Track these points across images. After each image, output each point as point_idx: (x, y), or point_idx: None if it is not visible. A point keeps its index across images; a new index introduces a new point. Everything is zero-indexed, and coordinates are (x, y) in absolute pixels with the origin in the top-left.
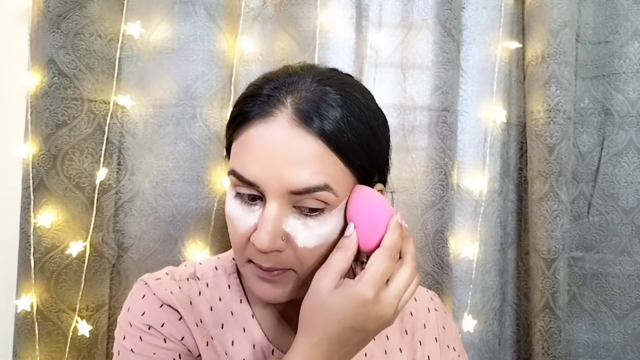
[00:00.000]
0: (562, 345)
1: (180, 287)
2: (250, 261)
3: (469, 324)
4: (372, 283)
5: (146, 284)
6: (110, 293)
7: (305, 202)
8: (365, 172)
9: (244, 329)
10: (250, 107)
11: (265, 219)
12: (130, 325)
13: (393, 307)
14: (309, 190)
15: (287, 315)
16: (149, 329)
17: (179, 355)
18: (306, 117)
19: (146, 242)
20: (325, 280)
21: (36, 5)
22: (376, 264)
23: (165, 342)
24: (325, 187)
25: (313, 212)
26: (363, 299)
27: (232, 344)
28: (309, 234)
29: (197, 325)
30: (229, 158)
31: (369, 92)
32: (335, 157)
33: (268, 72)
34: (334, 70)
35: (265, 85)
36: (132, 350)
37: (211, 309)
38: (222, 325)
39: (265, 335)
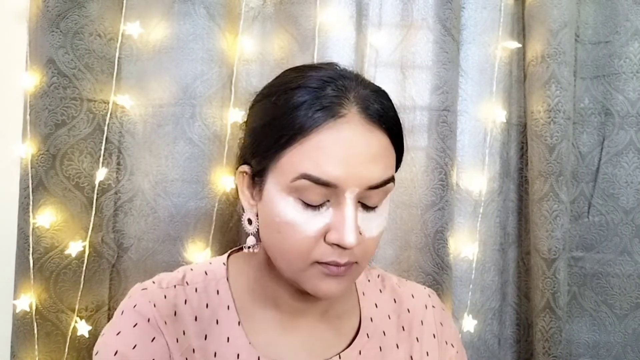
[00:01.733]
0: (562, 345)
1: (165, 296)
2: (316, 262)
3: (469, 323)
4: None
5: (130, 297)
6: (110, 293)
7: (372, 196)
8: (400, 159)
9: (227, 339)
10: (311, 112)
11: (348, 217)
12: (105, 343)
13: None
14: (383, 184)
15: (276, 321)
16: (115, 353)
17: None
18: (372, 113)
19: (146, 243)
20: None
21: (35, 5)
22: None
23: None
24: (392, 179)
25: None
26: None
27: (215, 356)
28: (372, 224)
29: (177, 341)
30: (261, 167)
31: None
32: (392, 148)
33: (291, 75)
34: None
35: (309, 85)
36: None
37: (195, 319)
38: (206, 336)
39: (251, 343)
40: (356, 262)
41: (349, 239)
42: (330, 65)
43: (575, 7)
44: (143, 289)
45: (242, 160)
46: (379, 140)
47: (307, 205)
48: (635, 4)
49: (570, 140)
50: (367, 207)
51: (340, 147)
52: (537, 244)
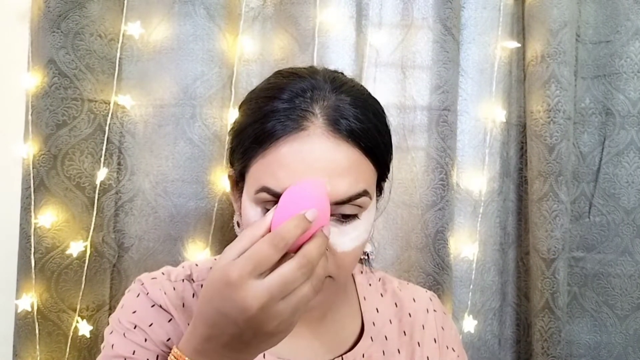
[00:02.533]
0: (561, 346)
1: (174, 288)
2: None
3: (469, 324)
4: (242, 264)
5: (142, 284)
6: (111, 293)
7: (343, 209)
8: (385, 169)
9: None
10: (276, 124)
11: None
12: (119, 321)
13: (260, 302)
14: (350, 199)
15: None
16: (135, 327)
17: (157, 357)
18: (338, 126)
19: (146, 242)
20: (223, 255)
21: (36, 5)
22: (256, 247)
23: (145, 341)
24: (364, 193)
25: (346, 217)
26: (226, 278)
27: None
28: (346, 238)
29: (188, 325)
30: (239, 172)
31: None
32: (368, 161)
33: (272, 80)
34: (338, 72)
35: (280, 96)
36: (112, 346)
37: None
38: None
39: None
40: (330, 277)
41: None
42: (313, 72)
43: (575, 7)
44: (153, 278)
45: (230, 162)
46: (347, 154)
47: None
48: (636, 4)
49: (571, 140)
50: (341, 220)
51: (300, 161)
52: (537, 244)
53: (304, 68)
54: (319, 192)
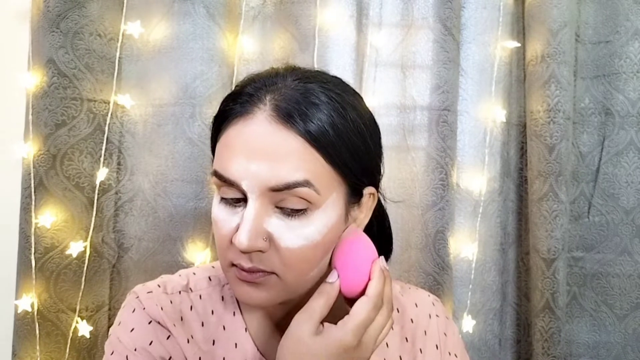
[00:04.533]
0: (562, 345)
1: (171, 302)
2: (233, 265)
3: (469, 324)
4: (357, 331)
5: (137, 297)
6: (111, 293)
7: (288, 201)
8: (351, 172)
9: (235, 344)
10: (230, 107)
11: (245, 218)
12: (119, 340)
13: (370, 350)
14: (288, 187)
15: (283, 327)
16: (135, 350)
17: None
18: (285, 114)
19: (146, 243)
20: (306, 325)
21: (35, 5)
22: (362, 314)
23: None
24: (306, 183)
25: (296, 212)
26: (347, 346)
27: None
28: (292, 234)
29: (188, 342)
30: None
31: (356, 92)
32: (316, 154)
33: (253, 72)
34: (319, 70)
35: (247, 85)
36: None
37: (202, 325)
38: (214, 341)
39: (258, 349)
40: (275, 274)
41: (240, 238)
42: (285, 69)
43: (575, 7)
44: (149, 292)
45: None
46: (289, 141)
47: (227, 203)
48: (636, 4)
49: (570, 140)
50: (289, 214)
51: (242, 145)
52: (537, 244)
53: (285, 64)
54: (360, 239)
